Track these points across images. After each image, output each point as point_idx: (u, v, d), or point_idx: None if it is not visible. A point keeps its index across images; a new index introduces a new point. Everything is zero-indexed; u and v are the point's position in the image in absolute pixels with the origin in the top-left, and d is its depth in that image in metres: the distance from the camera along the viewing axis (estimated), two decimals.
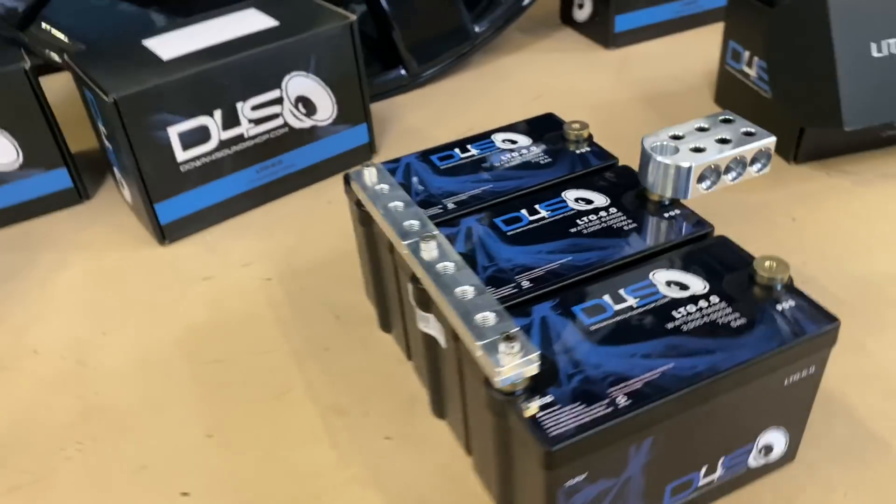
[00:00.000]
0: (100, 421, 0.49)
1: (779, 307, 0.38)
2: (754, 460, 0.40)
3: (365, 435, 0.47)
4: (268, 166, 0.66)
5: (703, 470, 0.39)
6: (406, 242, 0.41)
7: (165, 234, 0.63)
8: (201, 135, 0.61)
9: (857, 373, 0.48)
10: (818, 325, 0.36)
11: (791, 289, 0.39)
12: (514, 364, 0.33)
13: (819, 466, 0.43)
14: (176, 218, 0.63)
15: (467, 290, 0.38)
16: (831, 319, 0.37)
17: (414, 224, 0.43)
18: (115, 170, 0.65)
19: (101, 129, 0.62)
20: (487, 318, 0.36)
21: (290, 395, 0.50)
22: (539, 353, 0.34)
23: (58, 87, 0.83)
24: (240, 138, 0.63)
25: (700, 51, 0.87)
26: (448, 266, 0.39)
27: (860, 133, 0.66)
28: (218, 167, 0.63)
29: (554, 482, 0.33)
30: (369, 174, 0.47)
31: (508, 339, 0.34)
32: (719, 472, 0.39)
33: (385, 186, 0.46)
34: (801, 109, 0.63)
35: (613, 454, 0.34)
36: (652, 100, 0.79)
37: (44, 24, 0.73)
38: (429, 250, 0.40)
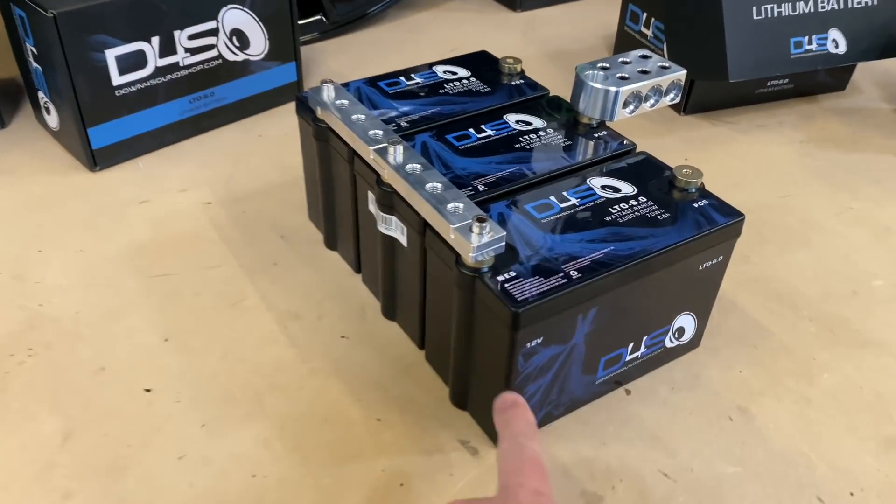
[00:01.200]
0: (50, 329, 0.49)
1: (695, 205, 0.44)
2: (669, 342, 0.47)
3: (322, 335, 0.50)
4: (200, 97, 0.67)
5: (630, 346, 0.45)
6: (374, 147, 0.45)
7: (97, 159, 0.63)
8: (138, 59, 0.61)
9: (744, 279, 0.56)
10: (727, 217, 0.44)
11: (704, 192, 0.46)
12: (484, 242, 0.38)
13: (719, 350, 0.50)
14: (108, 143, 0.63)
15: (437, 186, 0.42)
16: (737, 214, 0.44)
17: (378, 132, 0.46)
18: (41, 94, 0.64)
19: (31, 49, 0.61)
20: (458, 206, 0.40)
21: (244, 303, 0.52)
22: (503, 234, 0.39)
23: None
24: (175, 66, 0.64)
25: (597, 17, 0.95)
26: (416, 167, 0.43)
27: (740, 87, 0.75)
28: (152, 94, 0.64)
29: (517, 343, 0.38)
30: (328, 91, 0.50)
31: (480, 220, 0.38)
32: (642, 349, 0.46)
33: (345, 102, 0.49)
34: (692, 64, 0.72)
35: (565, 321, 0.39)
36: (555, 57, 0.86)
37: None
38: (395, 154, 0.44)
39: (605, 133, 0.51)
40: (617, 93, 0.49)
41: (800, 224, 0.62)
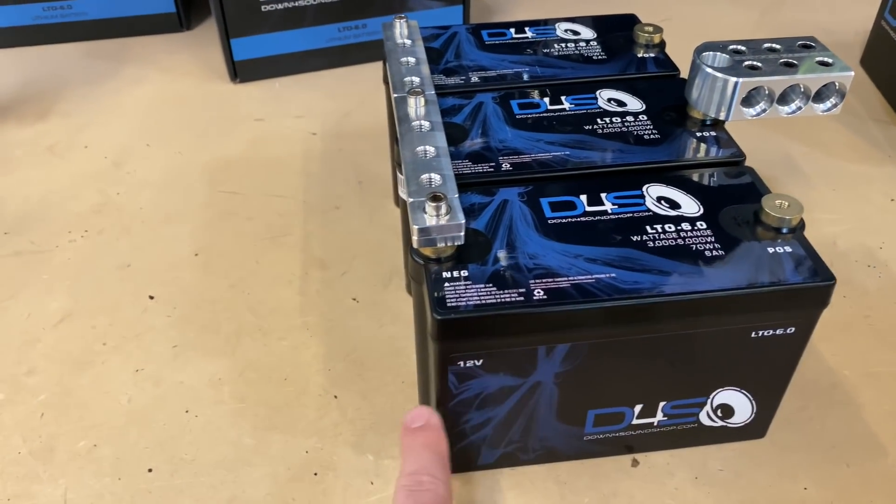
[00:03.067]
0: (111, 217, 0.51)
1: (770, 250, 0.32)
2: (707, 419, 0.36)
3: (335, 291, 0.46)
4: (351, 27, 0.65)
5: (638, 409, 0.35)
6: (395, 95, 0.39)
7: (238, 71, 0.64)
8: None
9: (886, 371, 0.41)
10: (804, 277, 0.31)
11: (798, 236, 0.33)
12: (434, 225, 0.31)
13: (790, 451, 0.37)
14: (250, 57, 0.64)
15: (429, 150, 0.35)
16: (826, 277, 0.31)
17: (414, 80, 0.40)
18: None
19: None
20: (433, 178, 0.33)
21: (285, 238, 0.50)
22: (462, 222, 0.31)
23: None
24: None
25: (870, 3, 0.75)
26: (424, 125, 0.37)
27: None
28: (300, 15, 0.63)
29: (443, 356, 0.31)
30: (400, 26, 0.44)
31: (434, 199, 0.31)
32: (659, 416, 0.35)
33: (409, 42, 0.44)
34: None
35: (518, 349, 0.31)
36: None
37: None
38: (414, 106, 0.38)
39: (713, 135, 0.39)
40: (736, 84, 0.37)
41: None
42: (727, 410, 0.36)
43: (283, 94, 0.64)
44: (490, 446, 0.35)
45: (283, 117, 0.61)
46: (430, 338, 0.31)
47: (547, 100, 0.42)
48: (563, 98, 0.42)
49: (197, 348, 0.42)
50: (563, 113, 0.41)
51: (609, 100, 0.42)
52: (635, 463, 0.37)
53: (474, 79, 0.43)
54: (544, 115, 0.41)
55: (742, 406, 0.35)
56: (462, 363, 0.31)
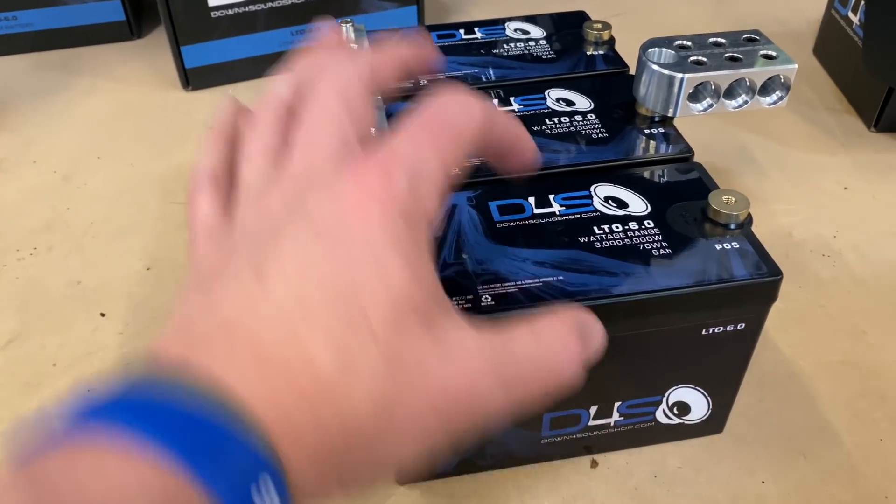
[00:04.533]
0: (60, 234, 0.50)
1: (718, 246, 0.32)
2: (665, 417, 0.36)
3: None
4: (303, 31, 0.64)
5: (594, 410, 0.35)
6: None
7: (190, 79, 0.63)
8: None
9: (838, 360, 0.41)
10: (751, 272, 0.31)
11: (746, 232, 0.33)
12: None
13: (748, 445, 0.37)
14: (202, 64, 0.63)
15: None
16: (773, 272, 0.31)
17: None
18: None
19: None
20: None
21: None
22: None
23: None
24: None
25: None
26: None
27: None
28: (251, 21, 0.62)
29: None
30: (346, 30, 0.44)
31: None
32: (616, 416, 0.35)
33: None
34: (889, 65, 0.54)
35: None
36: None
37: None
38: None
39: (661, 131, 0.39)
40: (682, 80, 0.37)
41: None
42: (683, 408, 0.36)
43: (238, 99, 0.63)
44: (447, 455, 0.35)
45: None
46: None
47: (496, 102, 0.41)
48: (511, 100, 0.41)
49: None
50: (514, 114, 0.40)
51: (558, 99, 0.41)
52: (594, 464, 0.37)
53: (423, 82, 0.43)
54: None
55: (698, 403, 0.35)
56: None
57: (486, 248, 0.32)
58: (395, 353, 0.20)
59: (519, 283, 0.31)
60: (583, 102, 0.41)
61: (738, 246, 0.32)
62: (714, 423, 0.37)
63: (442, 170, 0.23)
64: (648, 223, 0.33)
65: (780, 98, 0.39)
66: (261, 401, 0.19)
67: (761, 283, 0.31)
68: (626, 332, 0.31)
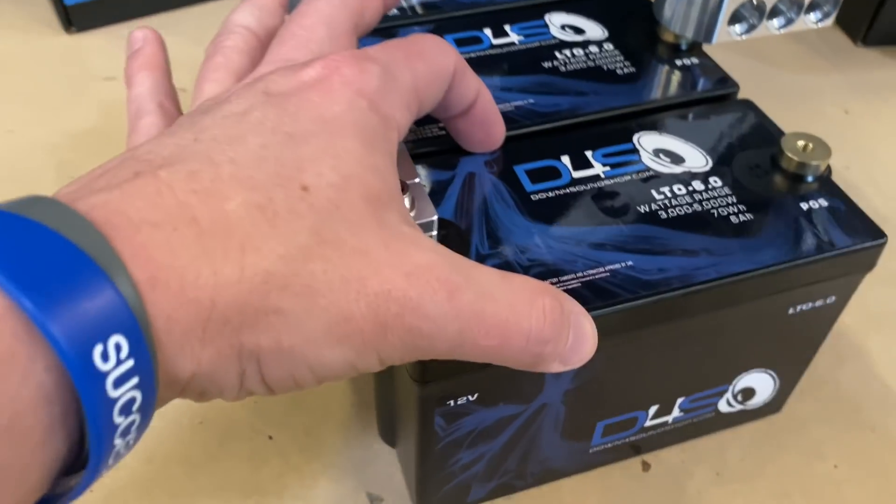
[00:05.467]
0: None
1: (804, 206, 0.26)
2: (727, 405, 0.30)
3: None
4: None
5: (654, 410, 0.29)
6: None
7: (72, 18, 0.51)
8: None
9: (886, 311, 0.37)
10: (855, 238, 0.25)
11: (827, 184, 0.27)
12: None
13: (809, 424, 0.32)
14: (85, 0, 0.51)
15: None
16: (876, 234, 0.25)
17: None
18: None
19: None
20: None
21: None
22: (435, 219, 0.23)
23: None
24: None
25: None
26: None
27: None
28: None
29: (427, 400, 0.23)
30: None
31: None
32: (676, 413, 0.29)
33: None
34: None
35: (521, 373, 0.24)
36: None
37: None
38: None
39: (696, 62, 0.32)
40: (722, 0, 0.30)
41: None
42: (749, 393, 0.30)
43: None
44: (482, 481, 0.28)
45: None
46: (410, 377, 0.23)
47: (489, 31, 0.33)
48: (507, 28, 0.34)
49: None
50: (514, 48, 0.33)
51: (563, 27, 0.34)
52: (646, 466, 0.31)
53: (394, 12, 0.34)
54: (491, 52, 0.32)
55: (765, 386, 0.30)
56: (452, 402, 0.24)
57: (527, 230, 0.25)
58: (330, 229, 0.17)
59: (580, 274, 0.24)
60: (594, 30, 0.34)
61: (827, 204, 0.26)
62: (774, 404, 0.32)
63: (413, 87, 0.22)
64: (715, 181, 0.27)
65: (828, 14, 0.33)
66: (140, 242, 0.15)
67: (864, 250, 0.25)
68: (703, 320, 0.25)
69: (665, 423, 0.30)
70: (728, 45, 0.54)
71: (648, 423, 0.29)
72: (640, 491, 0.30)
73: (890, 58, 0.52)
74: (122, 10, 0.53)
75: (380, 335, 0.18)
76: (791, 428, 0.32)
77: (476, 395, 0.24)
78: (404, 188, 0.23)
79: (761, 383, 0.30)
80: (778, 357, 0.29)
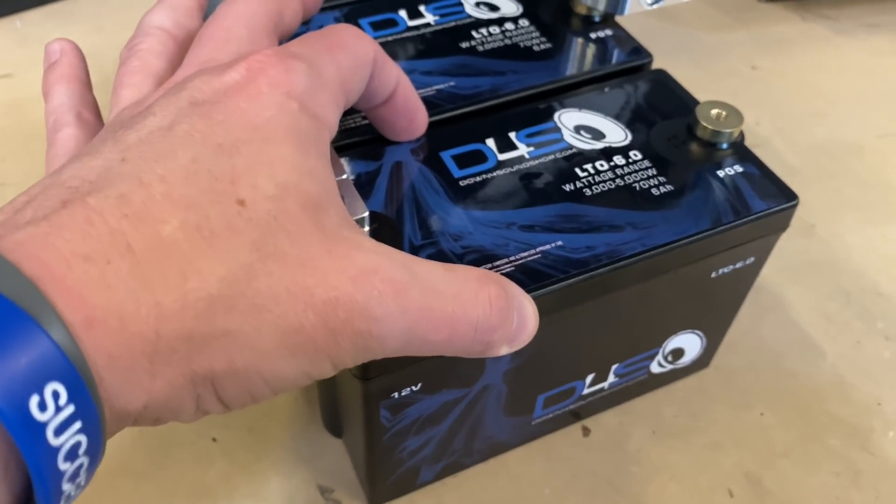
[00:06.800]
0: None
1: (720, 174, 0.27)
2: (658, 366, 0.32)
3: None
4: None
5: (590, 378, 0.30)
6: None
7: None
8: None
9: (799, 261, 0.39)
10: (769, 202, 0.26)
11: (741, 150, 0.28)
12: None
13: (736, 376, 0.34)
14: None
15: None
16: (788, 196, 0.27)
17: None
18: None
19: None
20: None
21: None
22: (366, 215, 0.23)
23: None
24: None
25: None
26: None
27: None
28: None
29: (371, 396, 0.24)
30: None
31: None
32: (611, 379, 0.31)
33: None
34: None
35: (462, 363, 0.24)
36: None
37: None
38: None
39: (609, 33, 0.33)
40: None
41: None
42: (678, 353, 0.32)
43: (29, 34, 0.49)
44: (430, 463, 0.29)
45: (38, 67, 0.47)
46: (353, 375, 0.23)
47: (404, 13, 0.33)
48: (422, 9, 0.33)
49: None
50: (430, 29, 0.32)
51: (477, 4, 0.34)
52: (586, 431, 0.32)
53: None
54: (407, 35, 0.32)
55: (693, 345, 0.32)
56: (396, 394, 0.24)
57: (458, 217, 0.25)
58: (270, 242, 0.17)
59: (513, 258, 0.24)
60: (508, 5, 0.34)
61: (742, 170, 0.27)
62: (703, 361, 0.33)
63: (339, 81, 0.21)
64: (635, 154, 0.28)
65: None
66: (73, 280, 0.15)
67: (779, 212, 0.27)
68: (632, 291, 0.26)
69: (602, 390, 0.31)
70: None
71: (586, 391, 0.30)
72: (582, 455, 0.31)
73: (791, 12, 0.54)
74: (17, 2, 0.50)
75: (331, 342, 0.18)
76: (719, 381, 0.34)
77: (420, 385, 0.24)
78: None
79: (689, 343, 0.31)
80: (703, 317, 0.30)
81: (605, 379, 0.30)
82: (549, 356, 0.27)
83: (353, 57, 0.22)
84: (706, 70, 0.49)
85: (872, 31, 0.53)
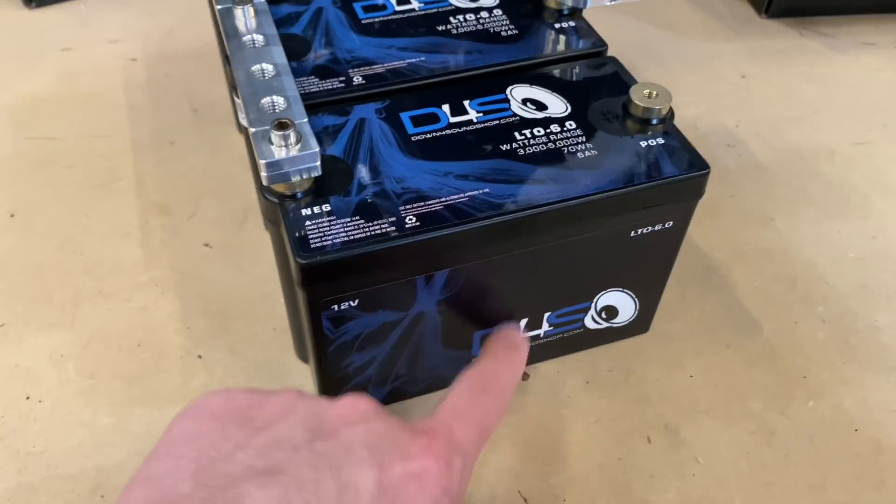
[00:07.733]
0: None
1: (643, 143, 0.31)
2: (592, 322, 0.35)
3: (183, 238, 0.41)
4: None
5: (524, 323, 0.33)
6: (219, 6, 0.34)
7: None
8: None
9: (752, 248, 0.41)
10: (680, 168, 0.30)
11: (669, 127, 0.32)
12: (285, 157, 0.27)
13: (673, 341, 0.37)
14: None
15: (267, 68, 0.31)
16: (701, 166, 0.30)
17: None
18: None
19: None
20: (276, 102, 0.29)
21: (115, 184, 0.44)
22: (316, 151, 0.27)
23: None
24: None
25: None
26: (257, 39, 0.32)
27: None
28: None
29: (314, 302, 0.28)
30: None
31: (281, 127, 0.27)
32: (546, 327, 0.34)
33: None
34: None
35: (395, 283, 0.28)
36: None
37: None
38: (243, 17, 0.33)
39: (572, 25, 0.37)
40: None
41: (866, 184, 0.45)
42: (611, 311, 0.35)
43: (91, 16, 0.56)
44: (377, 385, 0.33)
45: (94, 44, 0.53)
46: (296, 284, 0.27)
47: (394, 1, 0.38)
48: None
49: (29, 324, 0.37)
50: (413, 13, 0.37)
51: None
52: (526, 377, 0.36)
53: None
54: (392, 17, 0.37)
55: (626, 305, 0.35)
56: (336, 307, 0.28)
57: (404, 165, 0.29)
58: None
59: (443, 199, 0.28)
60: None
61: (663, 142, 0.31)
62: (641, 324, 0.37)
63: (481, 444, 0.26)
64: (570, 124, 0.31)
65: None
66: None
67: (690, 179, 0.30)
68: (556, 240, 0.30)
69: (538, 337, 0.34)
70: (643, 15, 0.59)
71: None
72: (518, 397, 0.35)
73: (789, 28, 0.57)
74: None
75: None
76: (656, 345, 0.37)
77: (357, 301, 0.28)
78: (288, 125, 0.27)
79: (622, 302, 0.35)
80: (630, 278, 0.34)
81: (539, 326, 0.34)
82: (480, 294, 0.31)
83: (502, 397, 0.28)
84: (696, 75, 0.52)
85: (866, 49, 0.55)
